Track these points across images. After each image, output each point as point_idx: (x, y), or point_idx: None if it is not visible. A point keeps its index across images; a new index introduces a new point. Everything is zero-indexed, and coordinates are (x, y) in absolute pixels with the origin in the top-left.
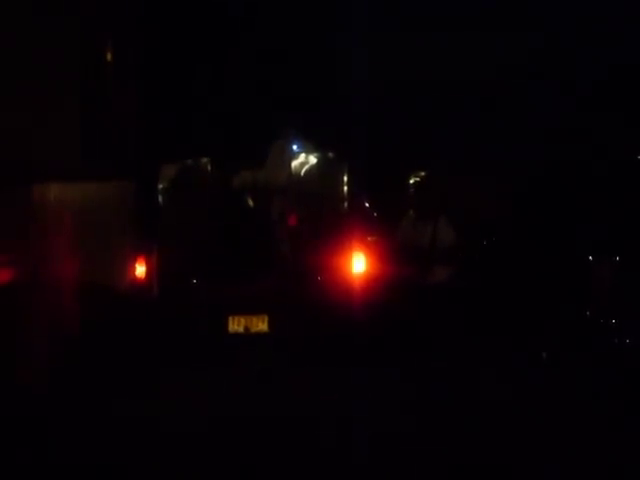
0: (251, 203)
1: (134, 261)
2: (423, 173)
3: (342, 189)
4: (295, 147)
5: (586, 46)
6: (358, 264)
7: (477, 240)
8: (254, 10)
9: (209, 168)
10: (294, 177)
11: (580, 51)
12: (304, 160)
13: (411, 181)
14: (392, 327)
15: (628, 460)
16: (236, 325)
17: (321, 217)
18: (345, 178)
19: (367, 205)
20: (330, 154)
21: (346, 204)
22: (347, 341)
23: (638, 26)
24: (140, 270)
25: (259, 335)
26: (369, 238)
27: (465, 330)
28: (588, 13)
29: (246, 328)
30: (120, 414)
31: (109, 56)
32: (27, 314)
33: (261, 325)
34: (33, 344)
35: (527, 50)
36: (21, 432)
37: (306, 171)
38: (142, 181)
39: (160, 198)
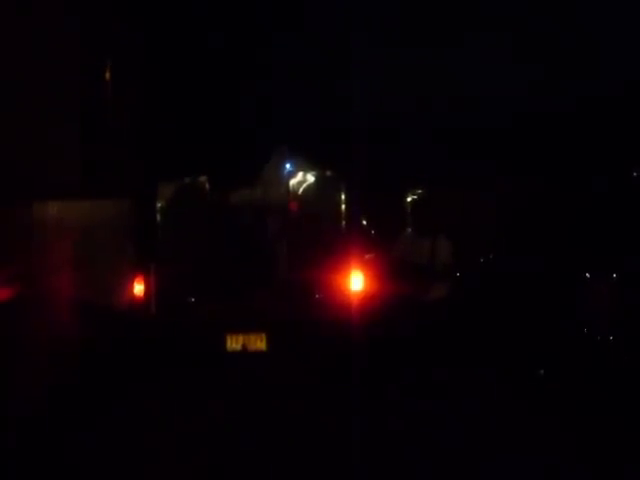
0: (249, 221)
1: (132, 279)
2: (420, 190)
3: (339, 207)
4: (292, 165)
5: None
6: (356, 282)
7: (474, 257)
8: (250, 31)
9: (207, 186)
10: (292, 195)
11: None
12: (302, 178)
13: (408, 199)
14: (391, 344)
15: (626, 476)
16: (234, 343)
17: (319, 235)
18: (342, 196)
19: (364, 223)
20: (327, 172)
21: (343, 222)
22: (345, 359)
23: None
24: (138, 288)
25: (257, 353)
26: (367, 256)
27: (464, 346)
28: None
29: (244, 346)
30: (117, 431)
31: (108, 75)
32: (26, 330)
33: (259, 343)
34: (32, 360)
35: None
36: (20, 445)
37: (304, 189)
38: (140, 199)
39: (158, 216)
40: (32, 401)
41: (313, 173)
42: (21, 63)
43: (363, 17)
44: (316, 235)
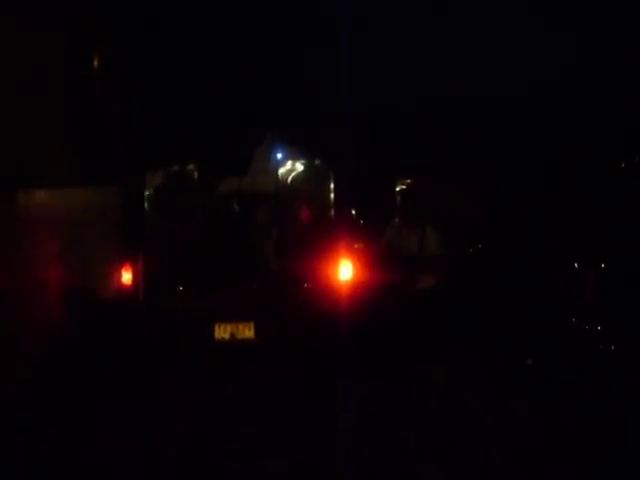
0: (237, 210)
1: (120, 268)
2: (409, 181)
3: (328, 196)
4: (281, 154)
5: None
6: (345, 271)
7: (463, 247)
8: (238, 20)
9: (195, 174)
10: (280, 184)
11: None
12: (290, 167)
13: (397, 188)
14: (380, 334)
15: (616, 465)
16: (222, 332)
17: (307, 224)
18: (331, 185)
19: (353, 212)
20: (316, 161)
21: (332, 211)
22: (334, 348)
23: None
24: (126, 277)
25: (245, 342)
26: (356, 245)
27: (452, 336)
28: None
29: (232, 335)
30: (104, 420)
31: (94, 63)
32: (14, 319)
33: (247, 332)
34: (19, 349)
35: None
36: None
37: (292, 178)
38: (128, 187)
39: (146, 204)
40: (21, 392)
41: (302, 162)
42: (4, 54)
43: (353, 11)
44: (305, 224)
